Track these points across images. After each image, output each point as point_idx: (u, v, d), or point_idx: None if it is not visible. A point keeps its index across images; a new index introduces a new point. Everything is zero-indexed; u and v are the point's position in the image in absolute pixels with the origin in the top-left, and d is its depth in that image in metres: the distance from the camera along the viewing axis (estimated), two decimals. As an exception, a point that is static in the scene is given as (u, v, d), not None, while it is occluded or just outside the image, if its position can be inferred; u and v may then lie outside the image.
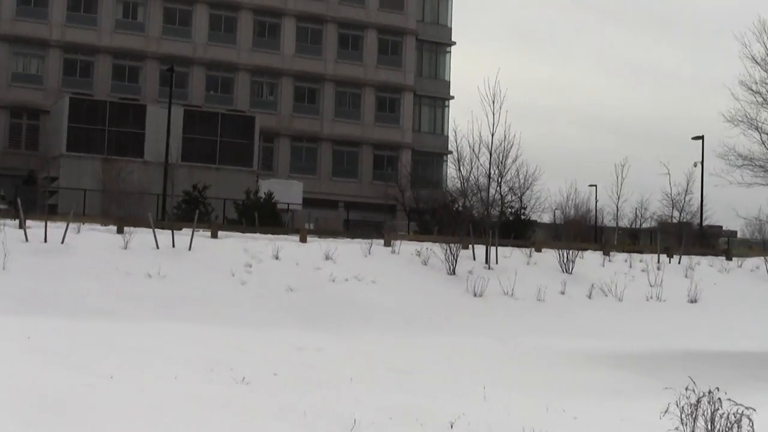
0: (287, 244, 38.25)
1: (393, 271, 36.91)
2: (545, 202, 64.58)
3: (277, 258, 36.11)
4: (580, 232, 46.14)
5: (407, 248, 39.88)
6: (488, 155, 42.86)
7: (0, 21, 70.97)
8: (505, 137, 42.61)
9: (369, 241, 39.82)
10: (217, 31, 77.05)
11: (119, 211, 43.23)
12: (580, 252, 42.15)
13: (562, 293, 37.55)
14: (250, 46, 77.59)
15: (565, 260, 40.45)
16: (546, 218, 65.17)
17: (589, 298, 37.79)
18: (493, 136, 42.04)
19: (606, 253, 45.22)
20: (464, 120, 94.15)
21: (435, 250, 38.61)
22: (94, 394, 14.69)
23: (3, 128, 70.83)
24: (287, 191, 63.55)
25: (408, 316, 32.06)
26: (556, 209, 65.15)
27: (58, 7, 72.46)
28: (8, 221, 36.05)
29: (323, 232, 46.91)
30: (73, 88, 70.29)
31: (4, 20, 71.03)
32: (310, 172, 77.50)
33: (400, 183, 75.81)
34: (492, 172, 43.14)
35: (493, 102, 41.41)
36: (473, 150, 43.89)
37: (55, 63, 72.55)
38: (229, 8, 77.21)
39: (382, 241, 40.92)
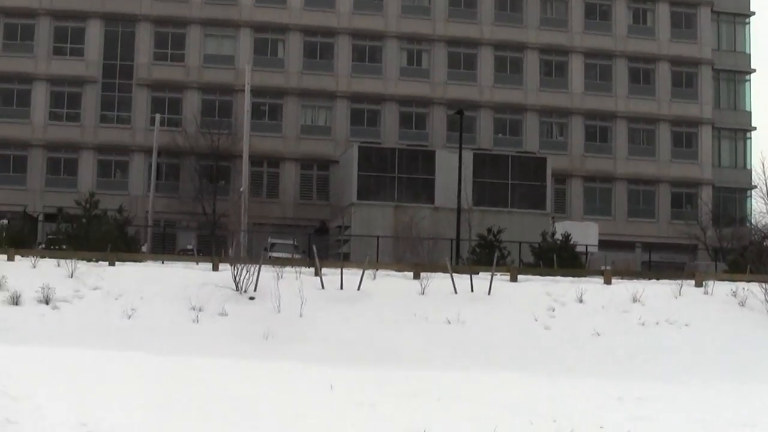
0: (590, 286, 36.00)
1: (707, 314, 34.13)
2: None
3: (581, 301, 34.10)
4: None
5: (720, 289, 36.82)
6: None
7: (289, 75, 71.98)
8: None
9: (678, 281, 36.97)
10: (503, 72, 75.69)
11: (413, 257, 42.17)
12: None
13: None
14: (538, 86, 75.76)
15: None
16: None
17: None
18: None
19: None
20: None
21: (753, 290, 35.48)
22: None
23: (294, 180, 71.61)
24: (583, 233, 60.94)
25: (730, 363, 29.33)
26: None
27: (343, 58, 73.00)
28: (304, 269, 35.67)
29: (625, 273, 44.32)
30: (361, 137, 70.35)
31: (292, 74, 72.02)
32: (605, 213, 74.72)
33: (701, 221, 72.02)
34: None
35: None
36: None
37: (343, 113, 72.94)
38: (515, 49, 75.82)
39: (692, 282, 37.98)
